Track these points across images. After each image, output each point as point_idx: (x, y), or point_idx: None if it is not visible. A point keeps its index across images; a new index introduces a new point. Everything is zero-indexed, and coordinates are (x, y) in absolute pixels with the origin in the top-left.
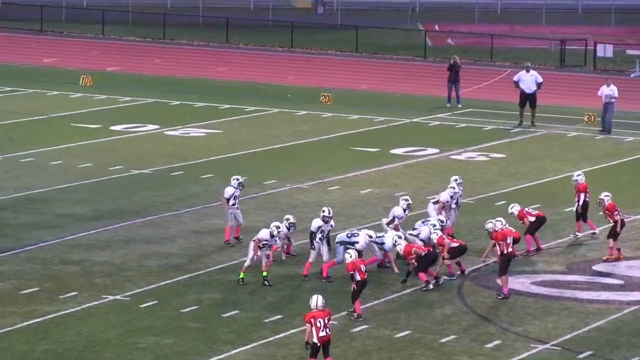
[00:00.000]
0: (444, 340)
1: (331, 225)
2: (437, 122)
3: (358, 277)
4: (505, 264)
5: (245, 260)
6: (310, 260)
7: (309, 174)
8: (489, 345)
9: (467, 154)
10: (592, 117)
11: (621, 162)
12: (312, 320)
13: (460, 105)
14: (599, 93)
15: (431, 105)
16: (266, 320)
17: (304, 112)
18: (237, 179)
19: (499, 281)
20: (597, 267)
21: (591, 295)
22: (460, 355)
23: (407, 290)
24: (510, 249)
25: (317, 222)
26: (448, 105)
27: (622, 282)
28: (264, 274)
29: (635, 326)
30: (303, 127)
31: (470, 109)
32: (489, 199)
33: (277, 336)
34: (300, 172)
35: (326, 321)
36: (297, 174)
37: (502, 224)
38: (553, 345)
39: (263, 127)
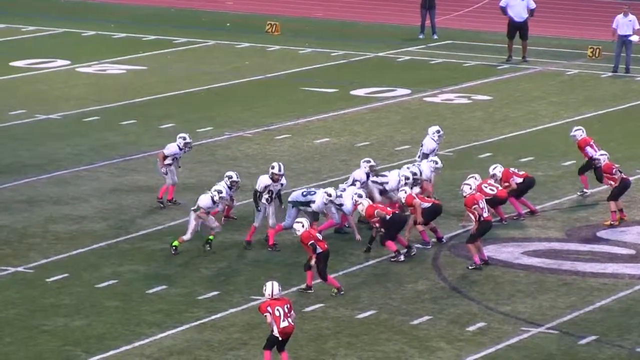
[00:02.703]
0: (416, 322)
1: (281, 184)
2: (408, 57)
3: (319, 249)
4: (479, 232)
5: (181, 229)
6: (255, 224)
7: (252, 120)
8: (471, 328)
9: (444, 95)
10: (597, 50)
11: (631, 105)
12: (269, 309)
13: (435, 37)
14: (614, 25)
15: (401, 36)
16: (200, 298)
17: (246, 45)
18: (184, 138)
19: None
20: (602, 234)
21: (595, 267)
22: (435, 341)
23: (371, 262)
24: (485, 214)
25: (264, 180)
26: (421, 36)
27: (633, 251)
28: (210, 237)
29: None
30: (245, 63)
31: (448, 41)
32: (471, 150)
33: (213, 317)
34: (241, 117)
35: (286, 310)
36: (237, 120)
37: (472, 185)
38: (549, 328)
39: (196, 62)
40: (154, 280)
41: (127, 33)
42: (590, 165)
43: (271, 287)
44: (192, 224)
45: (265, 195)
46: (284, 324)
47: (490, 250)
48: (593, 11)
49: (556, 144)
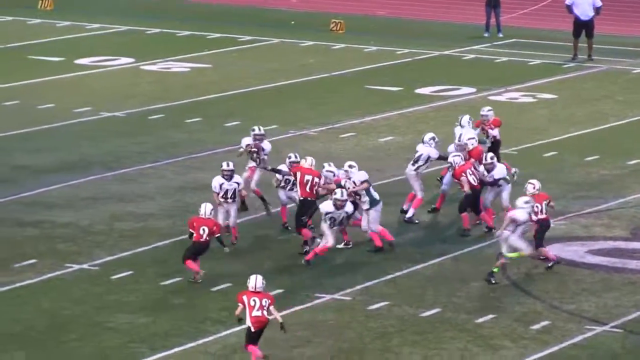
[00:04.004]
0: (480, 320)
1: (346, 213)
2: (473, 55)
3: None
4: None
5: None
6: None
7: (316, 118)
8: (535, 326)
9: (509, 94)
10: None
11: None
12: (244, 298)
13: (501, 35)
14: None
15: (466, 34)
16: None
17: (311, 43)
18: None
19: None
20: None
21: None
22: (499, 339)
23: (436, 260)
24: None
25: (326, 207)
26: (486, 34)
27: None
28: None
29: None
30: (309, 61)
31: (514, 40)
32: (536, 149)
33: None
34: (305, 115)
35: (263, 303)
36: (301, 118)
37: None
38: (614, 326)
39: (261, 60)
40: (219, 277)
41: (191, 31)
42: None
43: (254, 281)
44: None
45: (328, 222)
46: (256, 313)
47: (555, 249)
48: None
49: (622, 142)
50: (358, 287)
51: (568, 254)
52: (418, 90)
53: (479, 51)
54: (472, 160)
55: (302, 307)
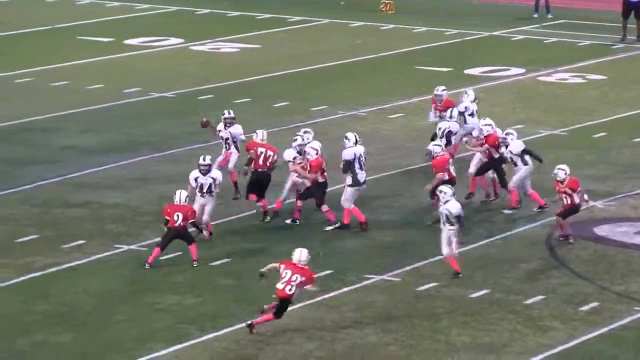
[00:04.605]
0: (529, 301)
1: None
2: (522, 36)
3: None
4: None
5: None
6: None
7: (366, 98)
8: (584, 307)
9: (558, 75)
10: None
11: None
12: (281, 266)
13: (550, 16)
14: None
15: (515, 15)
16: (314, 276)
17: (360, 24)
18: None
19: None
20: None
21: None
22: (549, 320)
23: (485, 241)
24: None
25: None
26: (536, 15)
27: None
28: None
29: None
30: (358, 42)
31: (563, 20)
32: (585, 130)
33: (327, 295)
34: (355, 96)
35: (293, 278)
36: (351, 98)
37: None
38: None
39: (310, 41)
40: (267, 258)
41: (241, 11)
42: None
43: (297, 254)
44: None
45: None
46: (279, 285)
47: (605, 230)
48: None
49: None
50: (407, 268)
51: (618, 235)
52: (467, 71)
53: (528, 32)
54: (486, 146)
55: (351, 288)
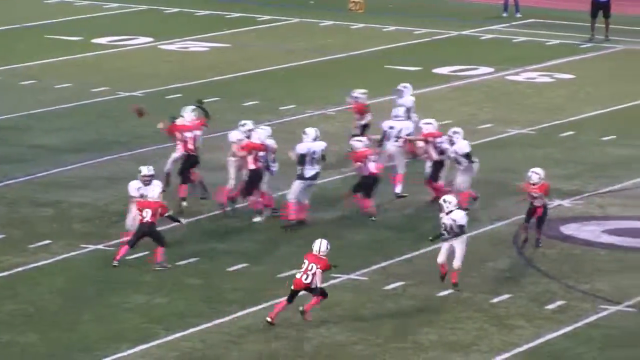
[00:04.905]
0: (495, 300)
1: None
2: (491, 35)
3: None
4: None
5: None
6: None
7: (335, 98)
8: (550, 306)
9: (527, 74)
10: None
11: None
12: (305, 261)
13: (519, 15)
14: None
15: (484, 14)
16: (280, 276)
17: (330, 23)
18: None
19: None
20: None
21: None
22: (515, 319)
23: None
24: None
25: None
26: (505, 14)
27: None
28: None
29: None
30: (328, 41)
31: (532, 20)
32: (553, 129)
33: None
34: (323, 95)
35: (310, 268)
36: (320, 97)
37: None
38: (628, 306)
39: (279, 40)
40: (235, 258)
41: (210, 10)
42: None
43: (317, 245)
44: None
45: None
46: (297, 275)
47: (571, 229)
48: None
49: (638, 122)
50: (374, 267)
51: (584, 234)
52: (436, 70)
53: (497, 31)
54: (431, 139)
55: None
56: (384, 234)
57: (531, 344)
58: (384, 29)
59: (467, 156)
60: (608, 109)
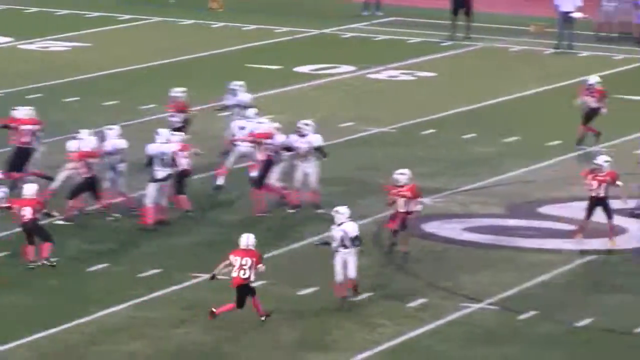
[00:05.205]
0: (357, 298)
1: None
2: (352, 34)
3: None
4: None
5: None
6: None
7: (196, 97)
8: (412, 304)
9: (388, 72)
10: (540, 27)
11: (574, 82)
12: (230, 256)
13: (379, 13)
14: (555, 2)
15: (345, 12)
16: (141, 275)
17: (190, 22)
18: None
19: None
20: (543, 210)
21: (535, 243)
22: (377, 317)
23: (311, 239)
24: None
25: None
26: (365, 13)
27: (572, 227)
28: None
29: (588, 281)
30: (188, 40)
31: (393, 18)
32: (414, 127)
33: (155, 294)
34: (185, 95)
35: (243, 262)
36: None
37: None
38: (489, 303)
39: (141, 39)
40: (95, 258)
41: (70, 9)
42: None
43: (243, 239)
44: None
45: None
46: (233, 274)
47: (433, 227)
48: None
49: (499, 120)
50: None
51: (445, 232)
52: (297, 69)
53: (358, 29)
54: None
55: (179, 286)
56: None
57: (392, 342)
58: (244, 28)
59: (319, 149)
60: (469, 107)
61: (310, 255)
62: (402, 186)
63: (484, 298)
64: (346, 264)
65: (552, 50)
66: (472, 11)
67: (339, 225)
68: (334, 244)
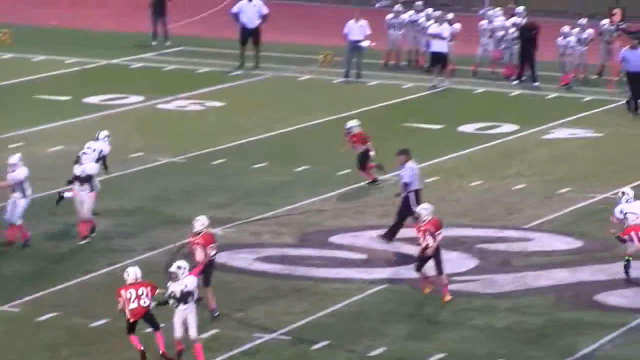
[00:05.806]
0: (149, 329)
1: None
2: (141, 64)
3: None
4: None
5: None
6: None
7: None
8: (205, 335)
9: (177, 102)
10: (329, 56)
11: (363, 110)
12: (121, 292)
13: (168, 43)
14: (345, 31)
15: (133, 43)
16: None
17: None
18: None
19: None
20: (334, 239)
21: (328, 272)
22: (168, 348)
23: (105, 269)
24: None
25: None
26: (154, 43)
27: (364, 256)
28: None
29: (380, 310)
30: None
31: (181, 48)
32: (205, 156)
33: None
34: None
35: (140, 293)
36: None
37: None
38: (282, 334)
39: None
40: None
41: None
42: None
43: (131, 273)
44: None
45: None
46: (132, 305)
47: (223, 257)
48: (325, 17)
49: (289, 149)
50: (27, 298)
51: (237, 262)
52: (86, 100)
53: (146, 59)
54: None
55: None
56: (37, 265)
57: None
58: (33, 59)
59: (90, 178)
60: (259, 136)
61: (101, 286)
62: (198, 233)
63: (277, 328)
64: (186, 323)
65: (341, 79)
66: (260, 41)
67: (180, 279)
68: (171, 302)
